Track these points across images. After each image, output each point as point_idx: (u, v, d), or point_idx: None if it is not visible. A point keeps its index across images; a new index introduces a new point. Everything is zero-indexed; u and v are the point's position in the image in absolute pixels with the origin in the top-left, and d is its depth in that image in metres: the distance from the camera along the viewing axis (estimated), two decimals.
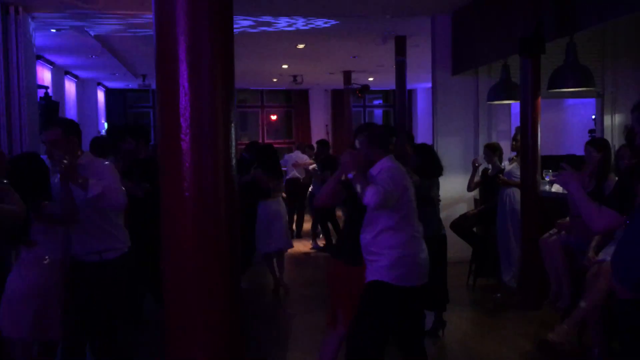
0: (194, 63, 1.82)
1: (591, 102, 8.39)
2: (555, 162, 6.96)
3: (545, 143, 6.11)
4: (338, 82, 14.18)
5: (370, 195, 2.95)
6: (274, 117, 17.54)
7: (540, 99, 5.69)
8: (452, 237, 6.95)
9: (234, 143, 1.91)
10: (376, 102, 18.30)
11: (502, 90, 6.67)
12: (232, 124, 1.92)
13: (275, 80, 14.88)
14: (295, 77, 14.03)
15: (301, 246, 9.25)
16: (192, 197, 1.82)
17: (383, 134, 3.28)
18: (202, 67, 1.84)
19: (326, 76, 14.08)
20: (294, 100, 17.24)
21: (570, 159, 7.13)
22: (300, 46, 10.32)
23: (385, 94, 17.76)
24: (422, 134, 15.58)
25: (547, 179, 6.22)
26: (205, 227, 1.85)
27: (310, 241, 9.36)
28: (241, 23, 8.41)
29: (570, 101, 9.85)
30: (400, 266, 3.11)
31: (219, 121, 1.88)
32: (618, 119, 7.60)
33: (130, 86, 15.30)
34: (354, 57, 11.53)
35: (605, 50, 7.65)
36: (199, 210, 1.84)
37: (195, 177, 1.82)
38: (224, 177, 1.88)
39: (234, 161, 1.91)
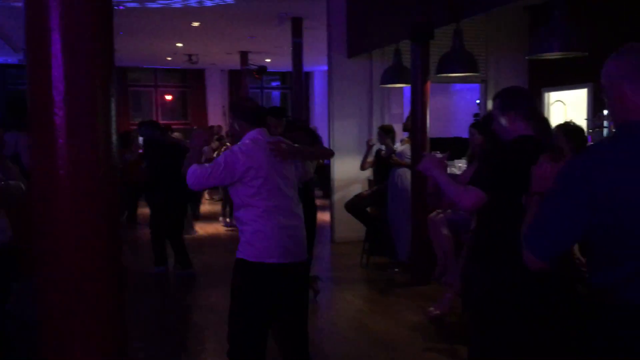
0: (68, 31, 1.69)
1: (476, 87, 8.83)
2: (443, 144, 7.29)
3: (434, 126, 6.36)
4: (235, 62, 13.98)
5: (188, 176, 2.98)
6: (168, 97, 17.00)
7: (429, 84, 5.90)
8: (346, 217, 7.14)
9: (114, 119, 1.80)
10: (274, 83, 18.24)
11: (394, 74, 6.85)
12: (112, 98, 1.81)
13: (169, 59, 14.42)
14: (190, 56, 13.66)
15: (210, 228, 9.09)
16: (66, 175, 1.71)
17: (247, 108, 3.21)
18: (78, 36, 1.71)
19: (223, 56, 13.84)
20: (190, 80, 16.80)
21: (457, 141, 7.51)
22: (195, 24, 10.04)
23: (282, 76, 17.74)
24: (319, 117, 15.76)
25: None
26: (83, 207, 1.74)
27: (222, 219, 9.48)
28: None
29: (458, 86, 10.31)
30: (255, 242, 2.99)
31: (97, 95, 1.77)
32: None
33: (10, 61, 14.22)
34: (251, 37, 11.40)
35: (489, 37, 8.06)
36: (74, 190, 1.72)
37: (69, 155, 1.71)
38: (103, 155, 1.77)
39: (114, 138, 1.81)
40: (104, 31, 1.80)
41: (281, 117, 5.07)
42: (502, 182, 2.45)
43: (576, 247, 3.54)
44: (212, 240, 8.48)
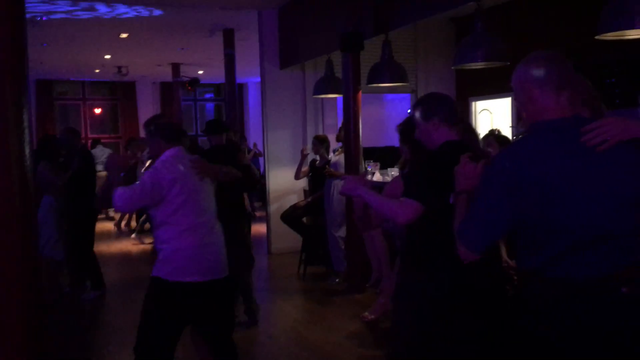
0: None
1: (407, 97, 9.03)
2: (376, 154, 7.41)
3: (367, 135, 6.46)
4: (167, 74, 13.72)
5: (116, 199, 2.93)
6: (98, 111, 16.49)
7: (360, 94, 5.99)
8: (282, 228, 7.12)
9: (27, 133, 1.73)
10: (207, 95, 18.03)
11: (326, 84, 6.91)
12: (25, 112, 1.74)
13: (97, 71, 14.00)
14: (120, 68, 13.31)
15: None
16: None
17: (163, 125, 3.17)
18: None
19: (154, 68, 13.55)
20: (120, 93, 16.34)
21: (389, 150, 7.64)
22: (124, 35, 9.81)
23: (216, 88, 17.55)
24: (254, 128, 15.69)
25: (369, 169, 6.58)
26: None
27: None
28: (56, 8, 7.77)
29: (389, 96, 10.51)
30: (174, 260, 2.96)
31: (8, 110, 1.69)
32: None
33: None
34: (182, 49, 11.23)
35: (418, 48, 8.27)
36: None
37: None
38: (16, 171, 1.69)
39: (27, 152, 1.73)
40: (14, 44, 1.72)
41: (221, 132, 5.04)
42: (437, 192, 2.38)
43: (504, 251, 3.67)
44: (122, 257, 8.29)
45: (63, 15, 8.23)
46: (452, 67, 4.95)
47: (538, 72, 1.90)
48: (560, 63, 1.92)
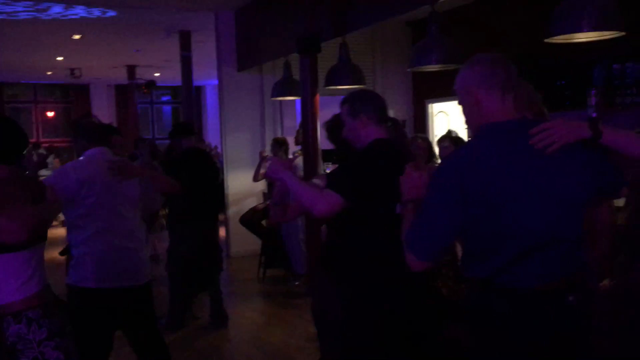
0: None
1: None
2: (334, 156, 7.42)
3: (325, 137, 6.44)
4: (122, 76, 13.48)
5: None
6: (50, 114, 16.07)
7: (318, 96, 5.99)
8: (241, 231, 7.06)
9: None
10: (164, 98, 17.78)
11: (284, 86, 6.88)
12: None
13: (49, 73, 13.65)
14: (73, 70, 13.00)
15: None
16: None
17: (86, 126, 3.12)
18: None
19: (108, 70, 13.30)
20: (73, 96, 15.99)
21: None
22: (77, 37, 9.58)
23: (173, 90, 17.34)
24: (212, 131, 15.54)
25: (327, 171, 6.59)
26: None
27: None
28: (3, 8, 7.53)
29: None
30: (83, 265, 2.87)
31: None
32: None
33: None
34: (138, 50, 11.06)
35: (375, 51, 8.34)
36: None
37: None
38: None
39: None
40: None
41: (192, 134, 5.03)
42: (364, 189, 2.35)
43: (459, 250, 3.71)
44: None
45: (6, 17, 7.98)
46: (408, 70, 5.00)
47: (483, 75, 1.87)
48: (505, 65, 1.90)
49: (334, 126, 2.81)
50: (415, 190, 1.99)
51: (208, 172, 5.13)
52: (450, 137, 4.99)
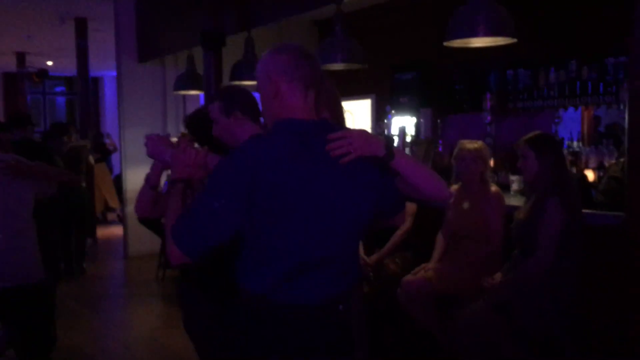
0: None
1: None
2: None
3: None
4: (10, 64, 12.58)
5: None
6: None
7: None
8: (140, 230, 6.77)
9: None
10: (58, 89, 16.79)
11: (187, 80, 6.67)
12: None
13: None
14: None
15: None
16: None
17: None
18: None
19: None
20: None
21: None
22: None
23: (68, 81, 16.38)
24: (110, 125, 14.85)
25: None
26: None
27: None
28: None
29: (256, 94, 10.46)
30: None
31: None
32: None
33: None
34: (29, 36, 10.35)
35: None
36: None
37: None
38: None
39: None
40: None
41: (25, 124, 4.80)
42: None
43: (361, 248, 3.75)
44: None
45: None
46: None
47: (287, 65, 1.71)
48: (311, 59, 1.76)
49: (196, 122, 2.63)
50: (188, 170, 1.85)
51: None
52: None
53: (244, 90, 2.44)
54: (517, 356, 3.07)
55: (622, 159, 3.85)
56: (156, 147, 2.24)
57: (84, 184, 6.89)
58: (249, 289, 1.70)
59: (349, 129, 1.76)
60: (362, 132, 1.73)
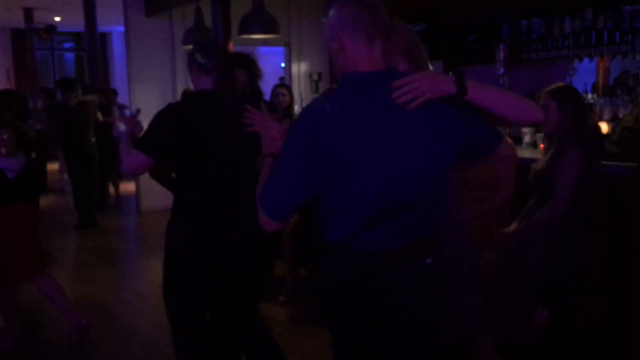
0: None
1: (281, 50, 8.93)
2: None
3: None
4: (18, 20, 12.48)
5: None
6: None
7: (231, 45, 5.79)
8: (152, 185, 6.77)
9: None
10: (66, 45, 16.69)
11: (196, 34, 6.58)
12: None
13: None
14: None
15: None
16: None
17: None
18: None
19: (2, 13, 12.26)
20: None
21: (265, 104, 7.53)
22: None
23: (77, 37, 16.28)
24: (119, 80, 14.82)
25: None
26: None
27: None
28: None
29: (263, 49, 10.35)
30: None
31: None
32: (303, 67, 8.24)
33: None
34: None
35: (290, 1, 8.14)
36: None
37: None
38: None
39: None
40: None
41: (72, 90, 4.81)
42: (163, 145, 2.38)
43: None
44: None
45: None
46: (323, 20, 4.91)
47: (347, 18, 1.68)
48: (373, 9, 1.70)
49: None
50: (274, 144, 1.89)
51: None
52: None
53: (207, 45, 2.60)
54: (525, 301, 3.11)
55: (636, 110, 3.80)
56: (129, 124, 2.44)
57: (93, 139, 6.92)
58: (329, 240, 1.75)
59: (414, 74, 1.68)
60: (428, 74, 1.69)
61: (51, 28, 11.57)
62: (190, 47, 6.85)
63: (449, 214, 1.90)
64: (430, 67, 2.22)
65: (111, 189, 8.33)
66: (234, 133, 2.33)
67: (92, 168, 6.97)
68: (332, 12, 1.74)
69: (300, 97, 7.69)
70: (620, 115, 4.17)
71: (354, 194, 1.67)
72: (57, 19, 12.76)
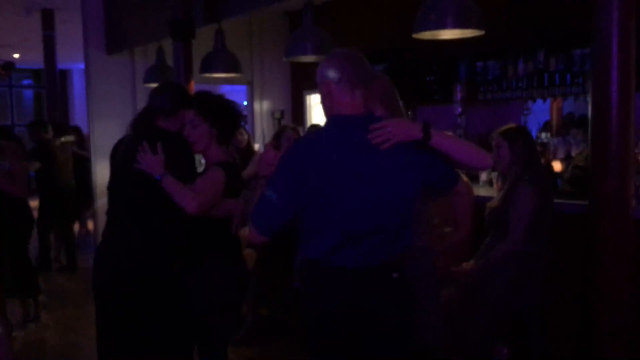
0: None
1: (243, 88, 8.96)
2: None
3: None
4: None
5: None
6: None
7: (193, 84, 5.78)
8: None
9: None
10: (25, 82, 16.43)
11: (157, 72, 6.59)
12: None
13: None
14: None
15: None
16: None
17: None
18: None
19: None
20: None
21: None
22: None
23: (36, 74, 16.05)
24: (80, 118, 14.62)
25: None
26: None
27: None
28: None
29: (226, 87, 10.37)
30: None
31: None
32: (266, 105, 8.29)
33: None
34: None
35: (253, 39, 8.22)
36: None
37: None
38: None
39: None
40: None
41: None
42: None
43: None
44: None
45: None
46: (284, 60, 4.98)
47: (335, 70, 2.01)
48: (356, 62, 2.03)
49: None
50: (269, 168, 2.19)
51: None
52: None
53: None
54: (486, 338, 3.12)
55: (587, 149, 3.92)
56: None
57: (72, 182, 7.07)
58: (307, 257, 2.05)
59: (389, 120, 2.00)
60: (400, 121, 2.03)
61: (10, 65, 11.34)
62: (151, 85, 6.93)
63: (412, 239, 2.16)
64: (404, 115, 2.64)
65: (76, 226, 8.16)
66: (126, 169, 2.58)
67: (68, 208, 7.04)
68: (322, 61, 2.09)
69: (263, 135, 7.71)
70: (573, 154, 4.29)
71: (330, 217, 1.96)
72: (16, 55, 12.60)
